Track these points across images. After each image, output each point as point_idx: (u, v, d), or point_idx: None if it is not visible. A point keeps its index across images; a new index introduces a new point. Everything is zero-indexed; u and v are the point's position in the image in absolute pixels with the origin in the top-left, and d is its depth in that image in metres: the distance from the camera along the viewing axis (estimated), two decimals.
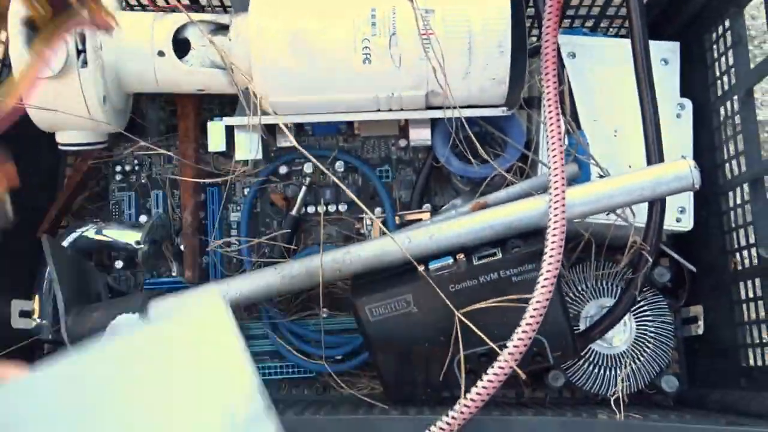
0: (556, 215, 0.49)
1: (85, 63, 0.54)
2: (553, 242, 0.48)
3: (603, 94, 0.62)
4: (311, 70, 0.55)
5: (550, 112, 0.53)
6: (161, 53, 0.57)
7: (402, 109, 0.58)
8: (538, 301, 0.48)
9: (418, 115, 0.59)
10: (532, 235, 0.53)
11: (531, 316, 0.48)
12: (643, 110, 0.55)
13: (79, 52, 0.53)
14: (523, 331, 0.48)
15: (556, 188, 0.50)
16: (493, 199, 0.58)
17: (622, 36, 0.70)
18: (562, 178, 0.50)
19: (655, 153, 0.54)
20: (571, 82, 0.60)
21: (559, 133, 0.52)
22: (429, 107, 0.58)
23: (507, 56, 0.54)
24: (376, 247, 0.55)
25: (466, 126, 0.57)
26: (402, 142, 0.67)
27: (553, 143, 0.52)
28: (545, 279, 0.48)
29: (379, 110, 0.58)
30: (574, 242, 0.59)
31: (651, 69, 0.55)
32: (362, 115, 0.59)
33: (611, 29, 0.70)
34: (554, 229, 0.49)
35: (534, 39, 0.69)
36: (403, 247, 0.54)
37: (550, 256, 0.48)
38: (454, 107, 0.56)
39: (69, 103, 0.55)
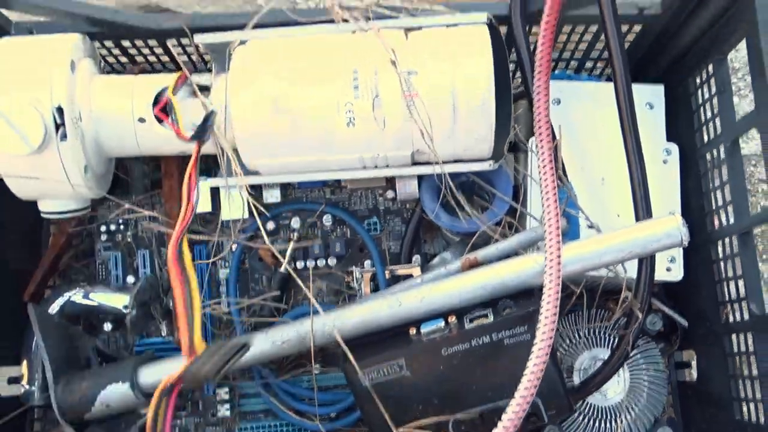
0: (551, 281, 0.49)
1: (64, 136, 0.53)
2: (548, 310, 0.48)
3: (589, 140, 0.62)
4: (294, 134, 0.54)
5: (544, 175, 0.53)
6: (142, 120, 0.56)
7: (388, 166, 0.58)
8: (535, 365, 0.47)
9: (404, 172, 0.58)
10: (523, 295, 0.53)
11: (528, 381, 0.47)
12: (630, 165, 0.55)
13: (57, 126, 0.52)
14: (521, 397, 0.47)
15: (551, 258, 0.50)
16: (484, 256, 0.57)
17: (608, 76, 0.70)
18: (558, 249, 0.50)
19: (643, 209, 0.54)
20: (556, 130, 0.59)
21: (555, 201, 0.51)
22: (415, 163, 0.58)
23: (491, 115, 0.53)
24: (366, 311, 0.54)
25: (451, 183, 0.56)
26: (389, 194, 0.66)
27: (548, 210, 0.51)
28: (541, 344, 0.47)
29: (365, 167, 0.58)
30: (563, 294, 0.59)
31: (636, 125, 0.55)
32: (347, 173, 0.58)
33: (595, 69, 0.69)
34: (549, 296, 0.48)
35: (518, 81, 0.68)
36: (393, 310, 0.53)
37: (545, 325, 0.47)
38: (439, 163, 0.56)
39: (49, 176, 0.54)
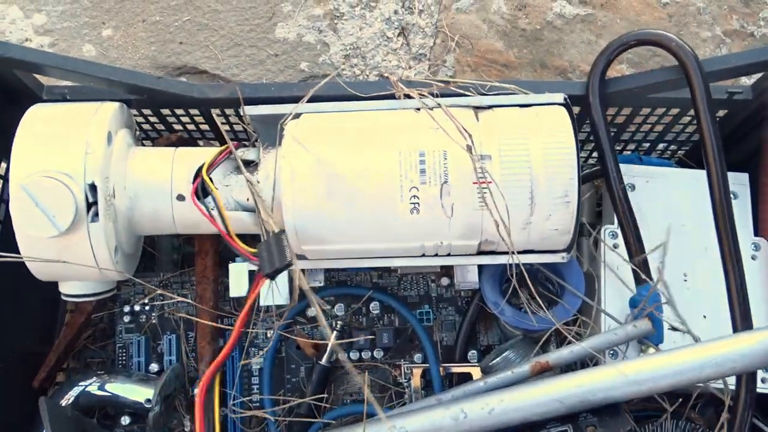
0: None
1: (96, 216, 0.47)
2: None
3: (670, 233, 0.56)
4: (349, 221, 0.49)
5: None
6: (181, 197, 0.51)
7: (450, 255, 0.52)
8: None
9: (468, 262, 0.53)
10: (608, 412, 0.47)
11: None
12: (726, 267, 0.49)
13: (89, 205, 0.47)
14: None
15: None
16: (555, 360, 0.51)
17: (678, 159, 0.65)
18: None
19: (741, 317, 0.48)
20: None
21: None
22: (480, 252, 0.52)
23: (574, 206, 0.48)
24: (426, 422, 0.48)
25: (525, 275, 0.50)
26: (444, 280, 0.60)
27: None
28: None
29: (424, 255, 0.52)
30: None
31: (733, 220, 0.49)
32: (404, 261, 0.52)
33: (666, 152, 0.64)
34: None
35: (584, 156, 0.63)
36: (458, 422, 0.47)
37: None
38: (512, 254, 0.50)
39: (76, 259, 0.48)
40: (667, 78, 0.51)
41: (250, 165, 0.52)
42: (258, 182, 0.51)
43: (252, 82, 0.53)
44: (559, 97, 0.51)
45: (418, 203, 0.48)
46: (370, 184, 0.48)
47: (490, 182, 0.47)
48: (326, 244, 0.50)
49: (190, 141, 0.60)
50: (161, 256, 0.63)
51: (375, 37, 0.75)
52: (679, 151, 0.64)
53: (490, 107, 0.51)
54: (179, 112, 0.57)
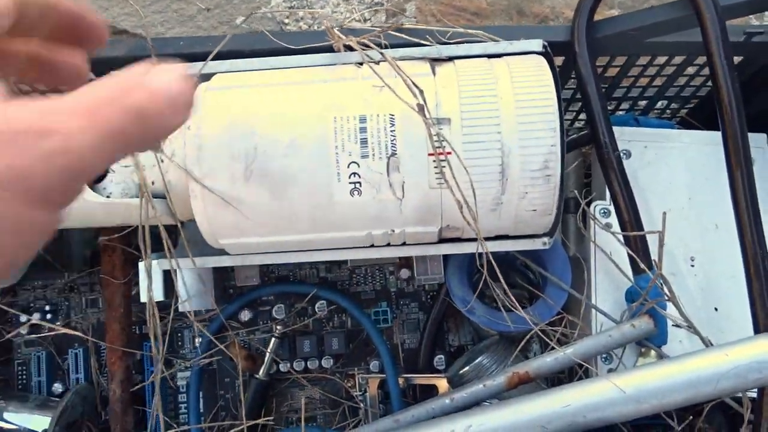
0: None
1: None
2: None
3: (671, 207, 0.47)
4: (275, 207, 0.38)
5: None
6: None
7: (405, 244, 0.42)
8: None
9: (428, 252, 0.43)
10: None
11: None
12: (745, 250, 0.39)
13: None
14: None
15: None
16: (537, 369, 0.42)
17: (680, 119, 0.55)
18: None
19: (765, 312, 0.38)
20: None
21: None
22: (443, 240, 0.42)
23: (556, 180, 0.38)
24: None
25: (496, 268, 0.41)
26: (404, 273, 0.50)
27: None
28: None
29: (373, 245, 0.42)
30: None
31: (754, 190, 0.39)
32: (349, 253, 0.42)
33: (666, 111, 0.54)
34: None
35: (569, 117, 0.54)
36: None
37: None
38: (479, 241, 0.40)
39: None
40: (672, 15, 0.41)
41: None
42: (162, 161, 0.40)
43: (157, 37, 0.42)
44: (537, 44, 0.41)
45: (359, 182, 0.38)
46: (298, 159, 0.38)
47: (449, 153, 0.37)
48: (247, 236, 0.40)
49: None
50: (70, 251, 0.53)
51: None
52: (682, 110, 0.54)
53: (450, 59, 0.41)
54: None
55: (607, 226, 0.46)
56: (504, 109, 0.37)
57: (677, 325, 0.43)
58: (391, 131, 0.37)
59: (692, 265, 0.46)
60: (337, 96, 0.39)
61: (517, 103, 0.37)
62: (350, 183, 0.38)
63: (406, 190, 0.38)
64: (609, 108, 0.53)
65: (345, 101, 0.38)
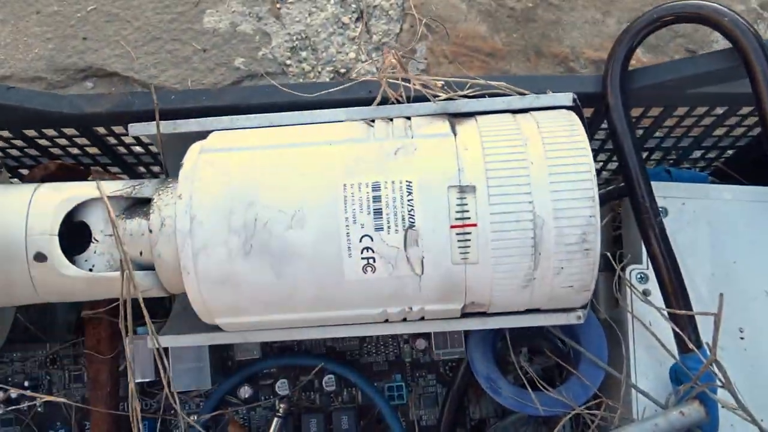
0: None
1: None
2: None
3: (714, 273, 0.42)
4: (277, 285, 0.34)
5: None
6: (40, 257, 0.36)
7: (424, 319, 0.38)
8: None
9: (450, 328, 0.38)
10: None
11: None
12: None
13: None
14: None
15: None
16: None
17: (714, 170, 0.51)
18: None
19: None
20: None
21: None
22: (465, 314, 0.38)
23: (595, 255, 0.34)
24: None
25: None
26: (420, 343, 0.46)
27: None
28: None
29: (388, 321, 0.38)
30: None
31: None
32: (359, 329, 0.38)
33: (700, 162, 0.50)
34: None
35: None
36: None
37: None
38: (501, 314, 0.36)
39: None
40: (717, 67, 0.37)
41: (146, 205, 0.38)
42: (150, 231, 0.36)
43: (144, 91, 0.38)
44: (567, 98, 0.37)
45: (372, 258, 0.33)
46: (304, 232, 0.33)
47: (474, 225, 0.33)
48: (246, 316, 0.36)
49: (78, 172, 0.45)
50: (53, 317, 0.49)
51: (327, 23, 0.60)
52: (718, 160, 0.50)
53: (471, 115, 0.37)
54: (51, 133, 0.42)
55: (645, 293, 0.42)
56: (535, 176, 0.33)
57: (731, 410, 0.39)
58: (409, 201, 0.33)
59: (741, 338, 0.42)
60: (347, 160, 0.35)
61: (550, 169, 0.33)
62: (362, 259, 0.33)
63: (426, 266, 0.34)
64: None
65: (356, 166, 0.34)
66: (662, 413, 0.37)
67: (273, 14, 0.61)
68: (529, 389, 0.40)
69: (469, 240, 0.33)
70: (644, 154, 0.49)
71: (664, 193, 0.44)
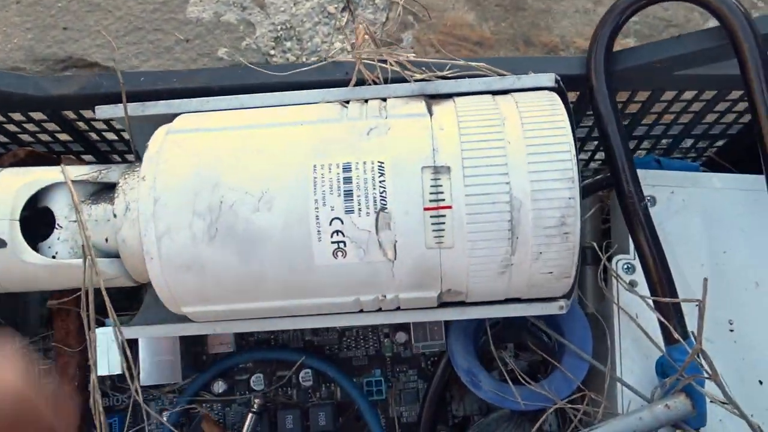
0: None
1: None
2: None
3: (703, 263, 0.41)
4: (244, 272, 0.33)
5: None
6: (0, 243, 0.35)
7: (399, 309, 0.36)
8: None
9: (425, 318, 0.37)
10: None
11: None
12: None
13: None
14: None
15: None
16: None
17: (705, 160, 0.49)
18: None
19: None
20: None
21: None
22: (443, 304, 0.36)
23: (575, 239, 0.32)
24: None
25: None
26: (400, 336, 0.44)
27: None
28: None
29: (362, 311, 0.36)
30: None
31: None
32: (332, 319, 0.36)
33: (691, 152, 0.49)
34: None
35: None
36: None
37: None
38: (480, 304, 0.35)
39: None
40: (705, 46, 0.35)
41: (113, 190, 0.36)
42: (114, 216, 0.35)
43: (113, 73, 0.37)
44: (549, 79, 0.35)
45: (343, 242, 0.32)
46: (271, 215, 0.32)
47: (449, 207, 0.32)
48: (213, 304, 0.34)
49: (49, 159, 0.44)
50: (26, 309, 0.47)
51: (313, 13, 0.59)
52: (709, 149, 0.48)
53: (449, 96, 0.36)
54: (19, 117, 0.41)
55: (632, 284, 0.40)
56: (513, 156, 0.32)
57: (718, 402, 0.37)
58: (381, 182, 0.32)
59: (731, 330, 0.40)
60: (318, 140, 0.33)
61: (528, 149, 0.32)
62: (333, 243, 0.32)
63: (399, 251, 0.32)
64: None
65: (326, 146, 0.33)
66: (647, 407, 0.35)
67: (257, 4, 0.60)
68: (511, 384, 0.39)
69: (444, 223, 0.32)
70: (633, 144, 0.48)
71: (653, 181, 0.43)
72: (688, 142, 0.48)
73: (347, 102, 0.36)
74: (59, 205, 0.36)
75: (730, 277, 0.41)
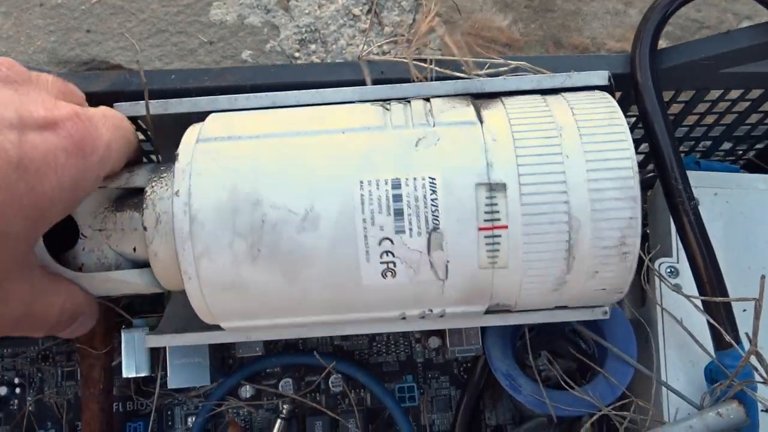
0: None
1: None
2: None
3: (750, 266, 0.40)
4: (287, 291, 0.31)
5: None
6: None
7: (443, 316, 0.35)
8: None
9: (467, 324, 0.35)
10: None
11: None
12: None
13: None
14: None
15: None
16: None
17: (745, 163, 0.48)
18: None
19: None
20: None
21: None
22: (488, 312, 0.35)
23: (633, 259, 0.30)
24: None
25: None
26: (433, 341, 0.43)
27: None
28: None
29: (404, 318, 0.35)
30: None
31: None
32: (374, 326, 0.35)
33: (731, 154, 0.47)
34: None
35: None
36: None
37: None
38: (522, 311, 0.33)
39: None
40: (755, 41, 0.34)
41: (138, 196, 0.34)
42: (144, 228, 0.33)
43: (145, 70, 0.36)
44: (601, 77, 0.33)
45: (393, 262, 0.30)
46: (317, 235, 0.30)
47: (504, 227, 0.30)
48: (253, 319, 0.33)
49: None
50: None
51: (338, 15, 0.58)
52: (750, 152, 0.47)
53: (496, 95, 0.34)
54: None
55: (676, 287, 0.39)
56: (572, 172, 0.29)
57: (766, 410, 0.36)
58: (433, 200, 0.29)
59: None
60: (363, 152, 0.31)
61: (588, 165, 0.30)
62: (382, 263, 0.30)
63: (451, 271, 0.30)
64: None
65: (373, 159, 0.30)
66: (697, 414, 0.34)
67: (282, 6, 0.59)
68: (549, 390, 0.37)
69: (499, 243, 0.29)
70: None
71: (696, 182, 0.41)
72: (727, 145, 0.46)
73: (388, 102, 0.34)
74: (82, 213, 0.33)
75: None
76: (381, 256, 0.29)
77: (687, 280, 0.37)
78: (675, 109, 0.41)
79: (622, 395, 0.37)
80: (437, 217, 0.29)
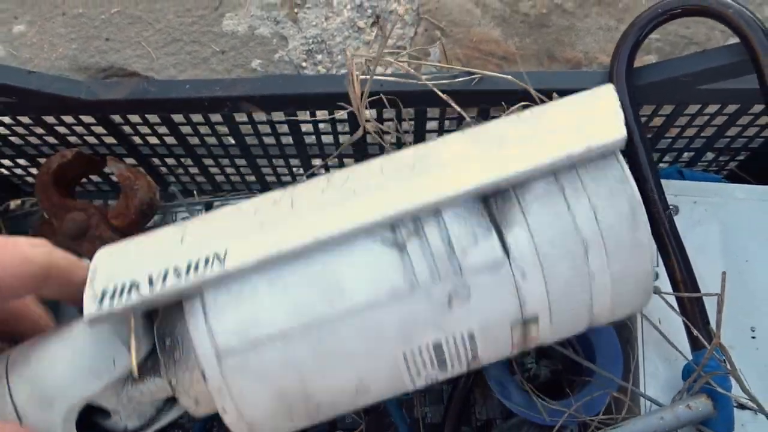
0: None
1: None
2: None
3: (727, 271, 0.42)
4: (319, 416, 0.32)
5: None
6: None
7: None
8: None
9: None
10: None
11: None
12: None
13: None
14: None
15: None
16: None
17: (728, 173, 0.50)
18: None
19: None
20: None
21: None
22: None
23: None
24: None
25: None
26: None
27: None
28: None
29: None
30: None
31: None
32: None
33: (713, 165, 0.50)
34: None
35: None
36: None
37: None
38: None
39: None
40: (729, 60, 0.37)
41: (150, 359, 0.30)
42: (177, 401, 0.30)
43: (160, 79, 0.39)
44: (608, 92, 0.29)
45: (418, 370, 0.31)
46: (370, 398, 0.31)
47: (535, 338, 0.31)
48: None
49: (94, 161, 0.46)
50: None
51: (343, 27, 0.61)
52: (731, 162, 0.49)
53: (513, 197, 0.29)
54: (69, 120, 0.43)
55: (653, 291, 0.41)
56: (597, 289, 0.30)
57: (741, 406, 0.38)
58: (472, 346, 0.31)
59: (753, 337, 0.41)
60: (398, 325, 0.29)
61: (614, 286, 0.30)
62: (410, 373, 0.31)
63: (482, 357, 0.32)
64: None
65: (410, 331, 0.30)
66: (668, 407, 0.36)
67: (290, 18, 0.62)
68: (535, 398, 0.39)
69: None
70: (656, 156, 0.49)
71: (676, 191, 0.44)
72: (710, 156, 0.49)
73: (399, 230, 0.29)
74: (109, 401, 0.30)
75: (752, 286, 0.41)
76: (410, 367, 0.31)
77: (665, 281, 0.40)
78: (657, 122, 0.44)
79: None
80: (476, 353, 0.31)
